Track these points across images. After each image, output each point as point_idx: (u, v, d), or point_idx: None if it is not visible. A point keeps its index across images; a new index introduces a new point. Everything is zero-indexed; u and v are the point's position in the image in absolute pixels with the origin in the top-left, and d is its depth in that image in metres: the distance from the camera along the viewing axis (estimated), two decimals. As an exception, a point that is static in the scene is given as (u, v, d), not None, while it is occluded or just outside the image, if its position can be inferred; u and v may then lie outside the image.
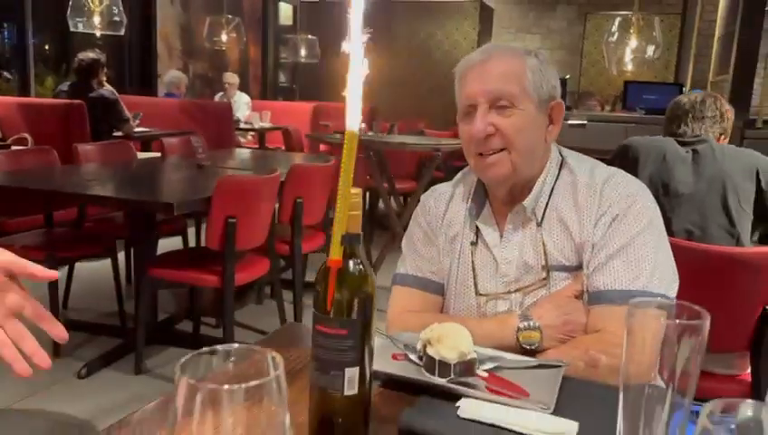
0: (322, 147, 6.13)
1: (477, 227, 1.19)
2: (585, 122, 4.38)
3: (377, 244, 4.48)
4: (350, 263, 0.74)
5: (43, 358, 0.78)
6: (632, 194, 1.11)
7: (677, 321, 0.56)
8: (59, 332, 0.79)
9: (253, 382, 0.44)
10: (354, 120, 0.72)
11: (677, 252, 1.68)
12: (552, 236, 1.13)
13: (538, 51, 1.16)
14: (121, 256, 3.60)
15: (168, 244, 3.55)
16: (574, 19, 9.69)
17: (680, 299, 1.79)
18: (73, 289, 3.41)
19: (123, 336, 3.00)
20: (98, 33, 5.16)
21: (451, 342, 0.92)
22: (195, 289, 3.14)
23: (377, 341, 1.06)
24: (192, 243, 3.78)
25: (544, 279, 1.13)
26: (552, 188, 1.15)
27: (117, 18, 5.15)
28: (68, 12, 4.94)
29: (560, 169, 1.16)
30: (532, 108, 1.11)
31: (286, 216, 3.00)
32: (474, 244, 1.19)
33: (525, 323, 1.08)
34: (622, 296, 1.04)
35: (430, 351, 0.93)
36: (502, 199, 1.18)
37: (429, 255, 1.23)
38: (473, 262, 1.18)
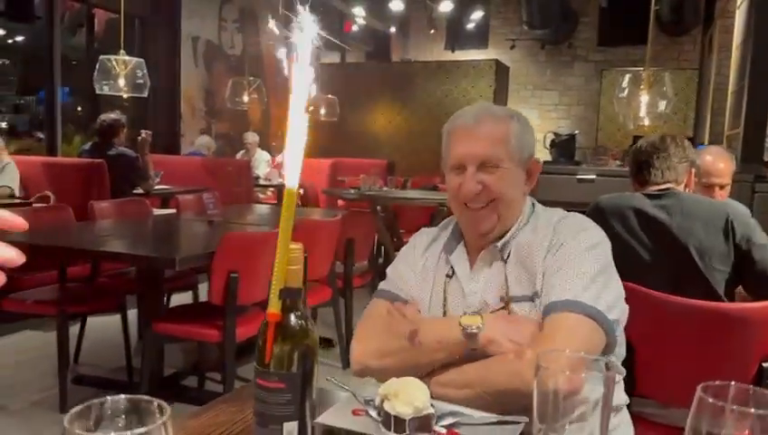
0: (340, 202, 6.22)
1: (451, 262, 1.30)
2: (594, 177, 4.38)
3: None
4: (291, 316, 0.76)
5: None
6: (581, 226, 1.22)
7: (583, 375, 0.56)
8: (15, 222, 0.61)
9: (139, 430, 0.45)
10: (293, 178, 0.75)
11: (663, 307, 1.66)
12: (514, 270, 1.22)
13: (519, 114, 1.30)
14: (135, 311, 3.65)
15: (180, 298, 3.59)
16: (591, 76, 9.82)
17: (671, 357, 1.74)
18: (85, 344, 3.46)
19: (130, 392, 3.00)
20: (125, 96, 5.39)
21: (406, 397, 0.92)
22: (202, 344, 3.16)
23: (341, 396, 1.07)
24: (203, 297, 3.82)
25: (504, 309, 1.20)
26: (520, 231, 1.26)
27: (141, 81, 5.37)
28: (94, 75, 5.19)
29: (529, 217, 1.29)
30: (513, 166, 1.25)
31: (291, 271, 3.02)
32: (449, 276, 1.29)
33: (468, 312, 1.18)
34: (555, 306, 1.12)
35: (386, 406, 0.93)
36: (475, 241, 1.29)
37: (406, 278, 1.34)
38: (445, 291, 1.28)
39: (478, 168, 1.23)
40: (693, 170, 2.07)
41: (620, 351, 1.23)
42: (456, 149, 1.26)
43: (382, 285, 1.37)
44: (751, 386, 0.57)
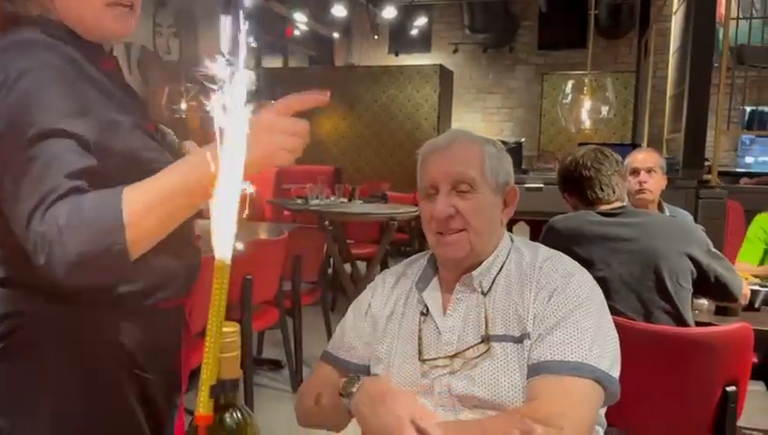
0: (286, 212, 6.04)
1: (425, 299, 1.22)
2: (542, 186, 4.38)
3: (339, 311, 4.34)
4: (226, 415, 0.63)
5: None
6: (570, 272, 1.15)
7: None
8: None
9: None
10: (224, 247, 0.62)
11: (626, 334, 1.60)
12: (496, 305, 1.15)
13: (496, 141, 1.25)
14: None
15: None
16: (532, 79, 9.94)
17: (635, 384, 1.69)
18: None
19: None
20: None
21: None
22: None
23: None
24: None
25: (486, 350, 1.11)
26: (502, 266, 1.19)
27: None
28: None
29: (509, 252, 1.22)
30: (488, 192, 1.18)
31: (235, 294, 2.86)
32: (423, 314, 1.20)
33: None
34: (560, 367, 1.05)
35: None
36: (451, 273, 1.21)
37: (356, 337, 1.26)
38: (420, 331, 1.19)
39: (451, 190, 1.17)
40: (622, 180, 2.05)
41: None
42: (428, 171, 1.20)
43: (328, 347, 1.31)
44: None
